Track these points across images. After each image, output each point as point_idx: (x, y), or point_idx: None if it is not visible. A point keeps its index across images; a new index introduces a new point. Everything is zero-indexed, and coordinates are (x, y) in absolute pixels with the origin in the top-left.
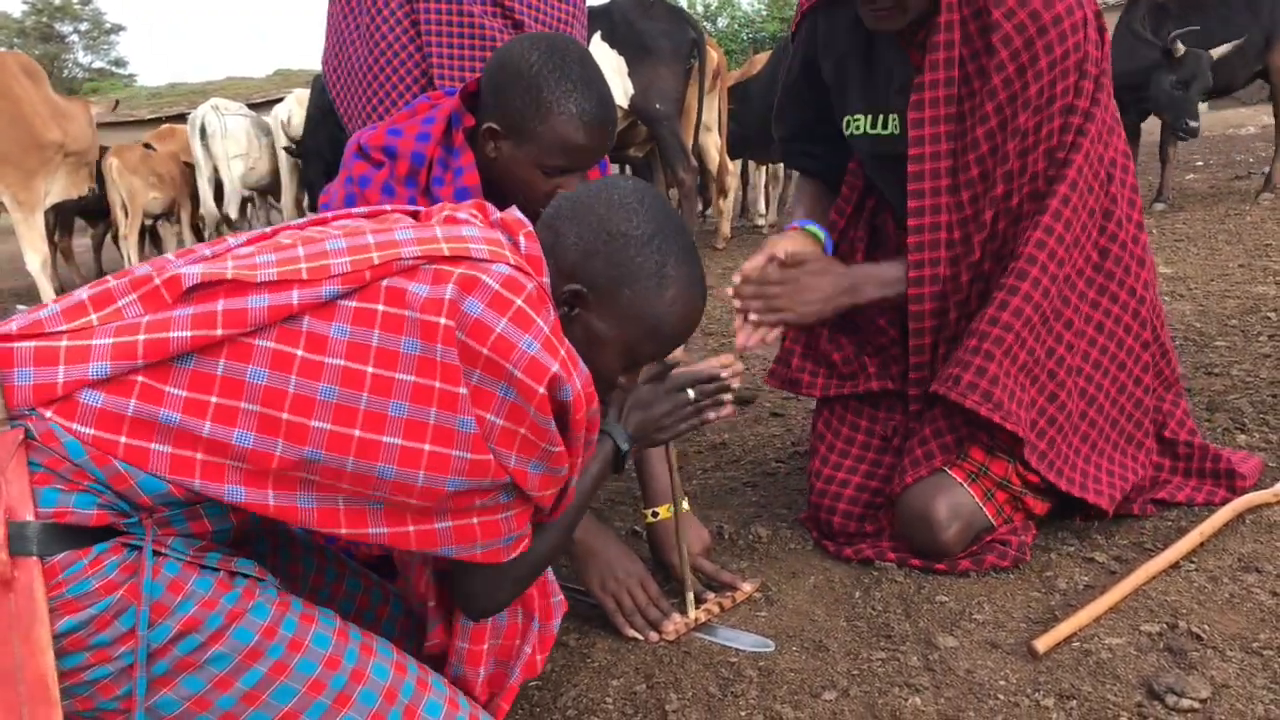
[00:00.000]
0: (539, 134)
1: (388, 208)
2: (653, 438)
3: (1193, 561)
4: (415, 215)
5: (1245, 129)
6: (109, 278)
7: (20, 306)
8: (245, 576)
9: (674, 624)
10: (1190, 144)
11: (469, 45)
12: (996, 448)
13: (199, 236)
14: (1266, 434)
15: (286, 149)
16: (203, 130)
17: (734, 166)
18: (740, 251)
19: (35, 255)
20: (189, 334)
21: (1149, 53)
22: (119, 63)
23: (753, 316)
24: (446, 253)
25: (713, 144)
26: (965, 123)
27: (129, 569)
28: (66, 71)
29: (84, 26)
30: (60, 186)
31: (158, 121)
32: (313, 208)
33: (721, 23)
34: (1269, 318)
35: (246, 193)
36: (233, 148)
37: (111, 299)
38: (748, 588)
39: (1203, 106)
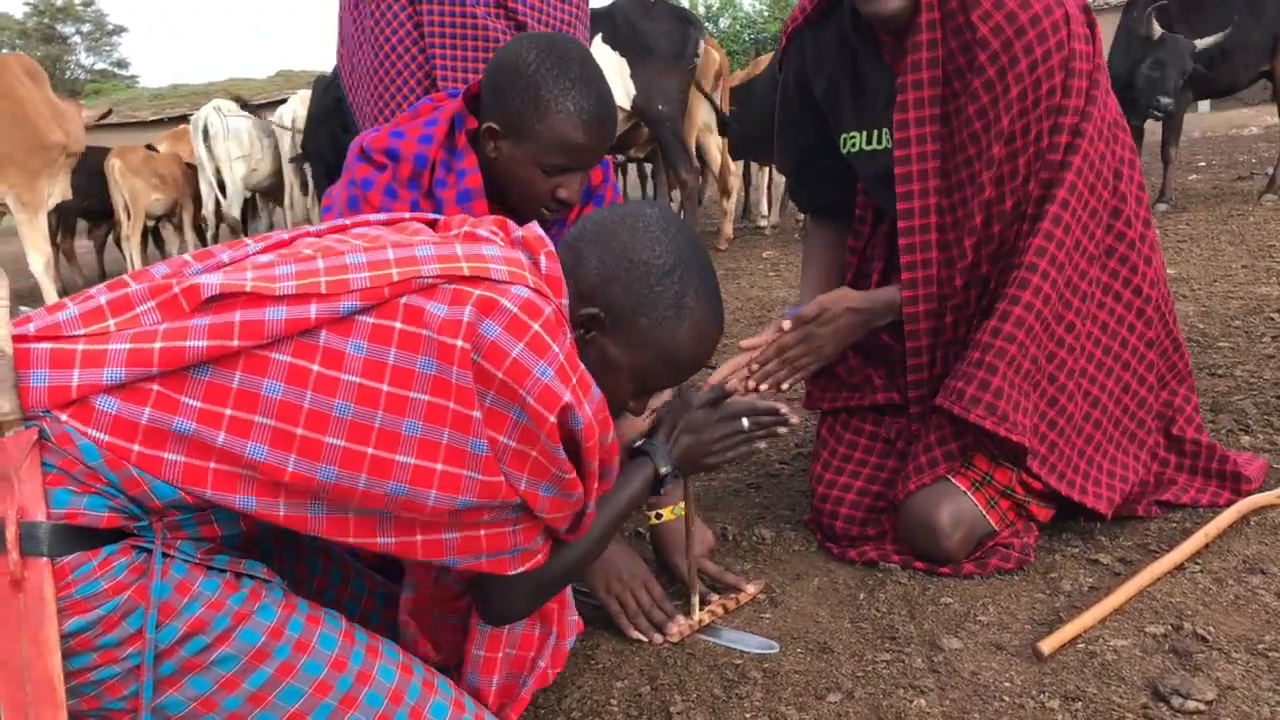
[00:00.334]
0: (538, 133)
1: (406, 215)
2: (700, 462)
3: (1198, 563)
4: (433, 225)
5: (1248, 129)
6: (128, 280)
7: (23, 308)
8: (252, 578)
9: (678, 626)
10: (1193, 145)
11: (472, 47)
12: (1001, 456)
13: (201, 238)
14: (1271, 435)
15: (294, 160)
16: (205, 131)
17: (736, 167)
18: (743, 252)
19: (39, 256)
20: (205, 344)
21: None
22: (121, 64)
23: (784, 385)
24: (466, 272)
25: (715, 145)
26: (950, 125)
27: (137, 570)
28: (69, 73)
29: (86, 28)
30: (61, 188)
31: (159, 123)
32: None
33: (723, 23)
34: (1272, 319)
35: (248, 194)
36: (235, 149)
37: (130, 305)
38: (752, 589)
39: (1204, 106)
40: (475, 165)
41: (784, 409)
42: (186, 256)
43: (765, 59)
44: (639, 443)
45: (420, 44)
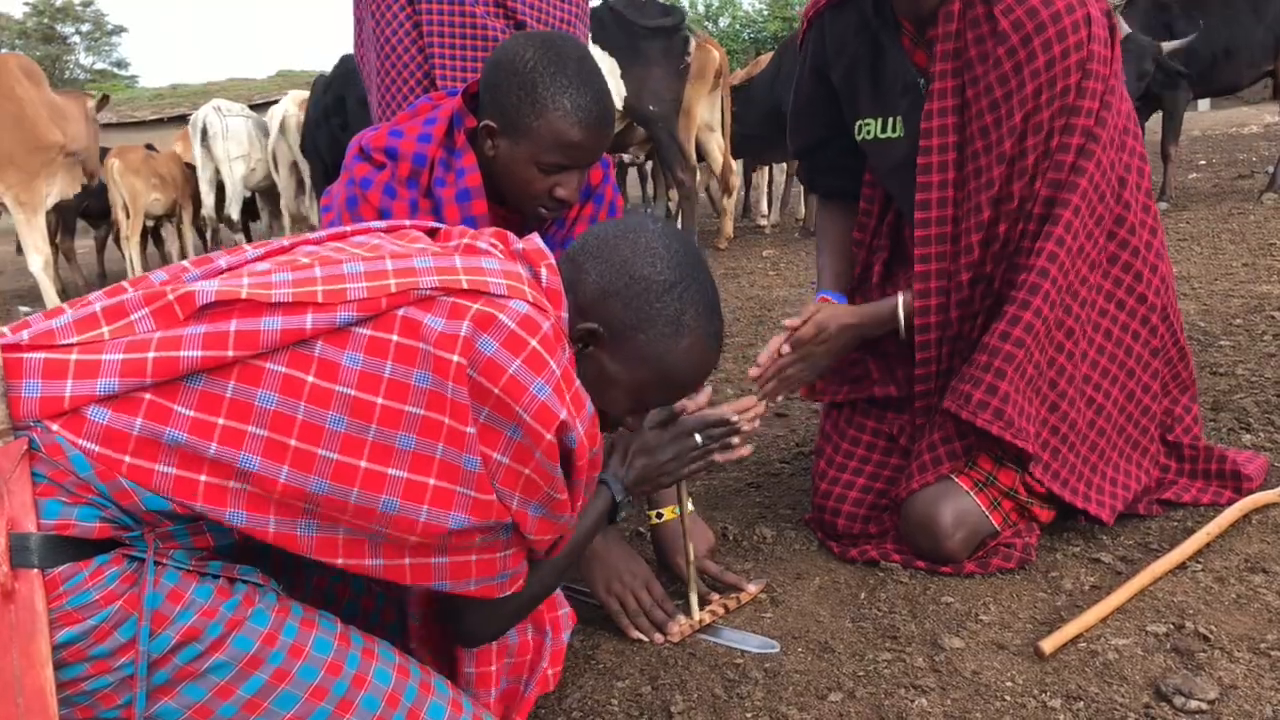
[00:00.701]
0: (535, 131)
1: (407, 223)
2: (657, 481)
3: (1199, 562)
4: (433, 234)
5: (1248, 128)
6: (126, 287)
7: (23, 308)
8: (246, 583)
9: (679, 626)
10: (1193, 143)
11: (470, 46)
12: (1005, 458)
13: (201, 237)
14: (1272, 433)
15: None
16: (204, 131)
17: (736, 166)
18: (742, 252)
19: (37, 256)
20: (199, 354)
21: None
22: (121, 64)
23: (780, 399)
24: (465, 285)
25: (715, 144)
26: (964, 117)
27: (129, 579)
28: (68, 73)
29: (85, 28)
30: (59, 187)
31: (159, 123)
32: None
33: (723, 22)
34: (1273, 317)
35: (248, 194)
36: (234, 149)
37: (125, 312)
38: (753, 589)
39: (1204, 104)
40: (474, 164)
41: (734, 418)
42: (185, 263)
43: (764, 58)
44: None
45: (419, 43)
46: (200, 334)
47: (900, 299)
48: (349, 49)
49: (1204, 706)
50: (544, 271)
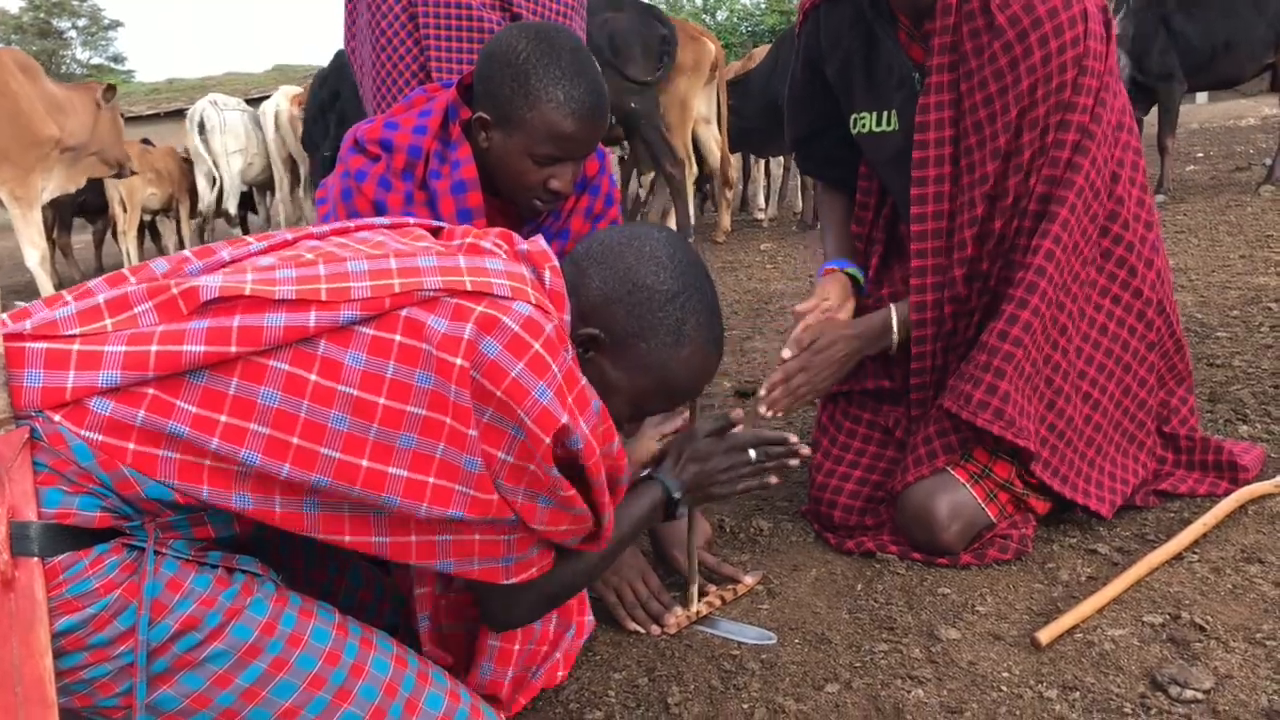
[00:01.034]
0: (528, 122)
1: (410, 220)
2: (708, 491)
3: (1195, 553)
4: (437, 232)
5: (1246, 120)
6: (128, 277)
7: (19, 304)
8: (244, 573)
9: (676, 617)
10: (1191, 136)
11: (467, 38)
12: (1000, 450)
13: (200, 232)
14: (1268, 424)
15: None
16: (201, 125)
17: (734, 160)
18: (740, 245)
19: (34, 251)
20: (202, 349)
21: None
22: (117, 59)
23: (781, 413)
24: (469, 287)
25: (712, 137)
26: (959, 110)
27: (128, 568)
28: (64, 68)
29: (82, 22)
30: (57, 182)
31: (155, 118)
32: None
33: (720, 16)
34: (1270, 308)
35: (245, 187)
36: (231, 143)
37: (128, 305)
38: (749, 581)
39: (1202, 98)
40: (469, 156)
41: (794, 438)
42: (187, 253)
43: (759, 52)
44: (646, 471)
45: (415, 35)
46: (204, 329)
47: (894, 314)
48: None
49: (1199, 696)
50: (548, 274)
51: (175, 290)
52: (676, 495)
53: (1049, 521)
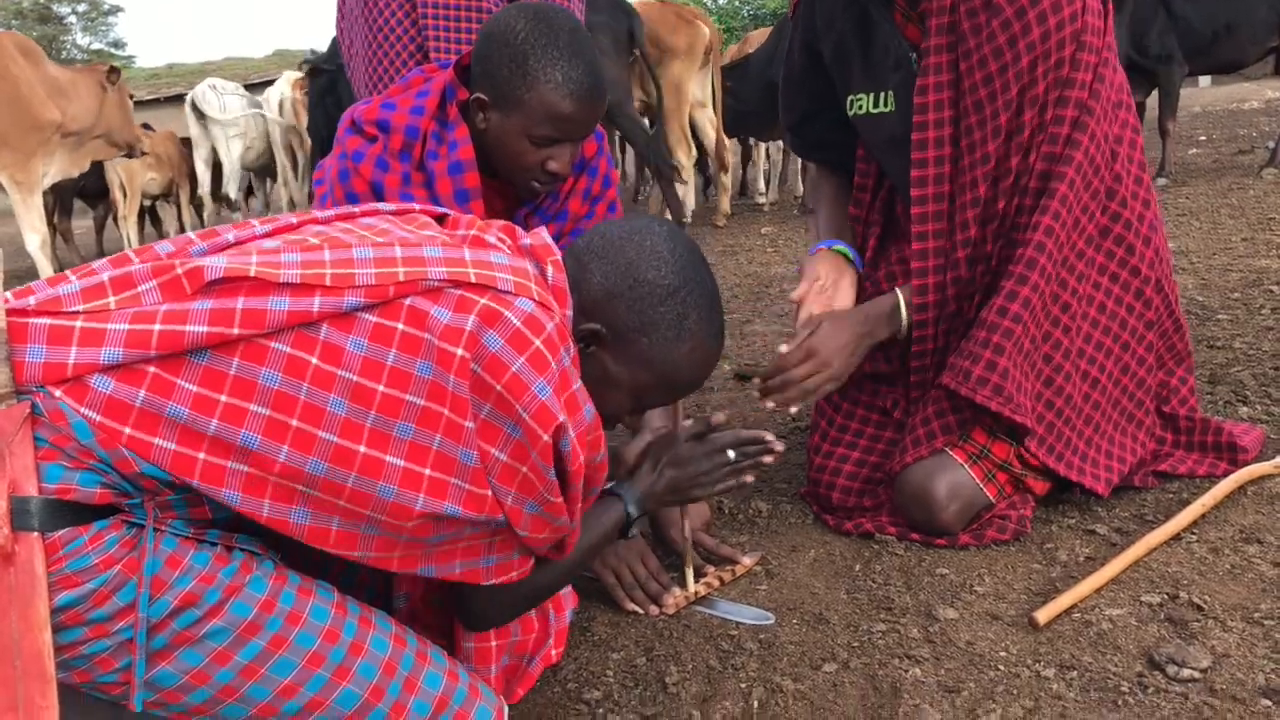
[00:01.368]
0: (526, 103)
1: (415, 207)
2: (688, 494)
3: (1194, 533)
4: (441, 220)
5: (1249, 104)
6: (131, 257)
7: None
8: (243, 551)
9: (674, 598)
10: (1193, 119)
11: (465, 18)
12: (998, 430)
13: (198, 216)
14: (1268, 406)
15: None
16: (200, 110)
17: (730, 144)
18: (741, 229)
19: (34, 235)
20: (205, 330)
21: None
22: (117, 44)
23: (793, 409)
24: (473, 279)
25: (708, 120)
26: (958, 90)
27: (128, 544)
28: (64, 53)
29: (82, 8)
30: (58, 166)
31: (155, 103)
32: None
33: None
34: (1271, 291)
35: (245, 172)
36: (231, 128)
37: (132, 283)
38: (748, 561)
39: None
40: (467, 137)
41: (769, 437)
42: (191, 235)
43: (755, 36)
44: (612, 484)
45: (412, 15)
46: (207, 310)
47: (901, 297)
48: None
49: (1196, 675)
50: (550, 269)
51: (180, 270)
52: (634, 514)
53: (1047, 502)
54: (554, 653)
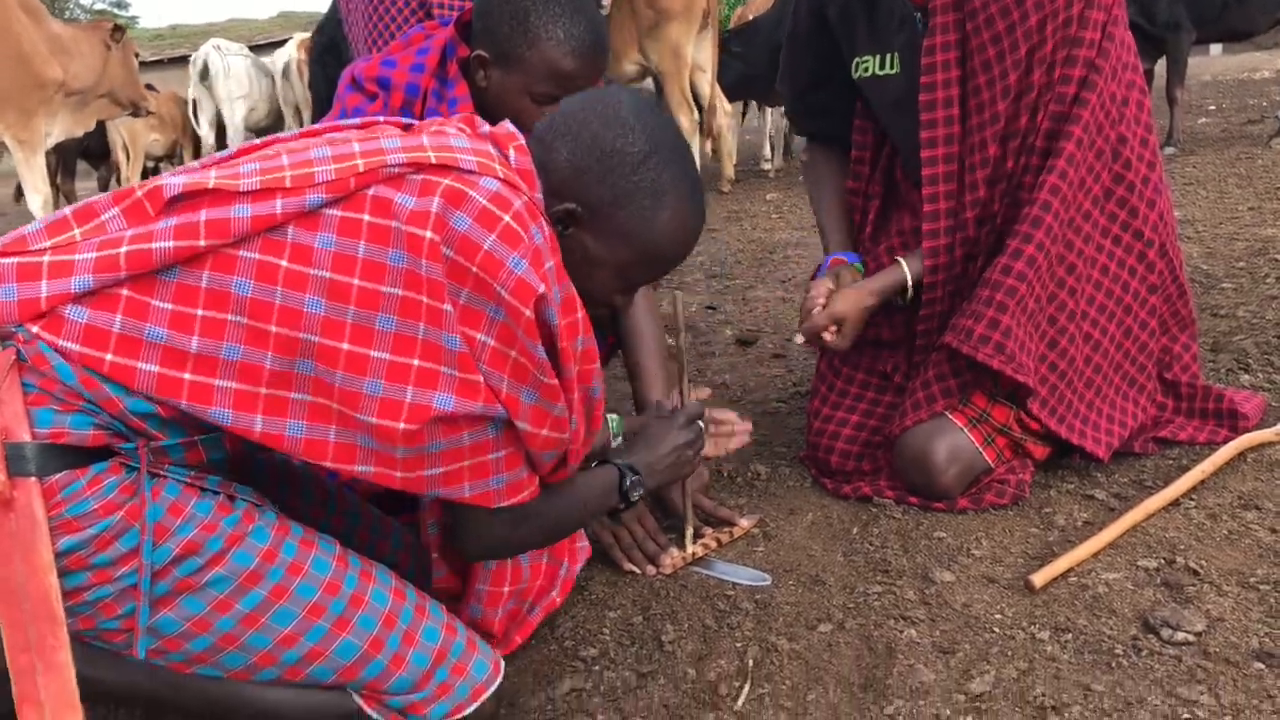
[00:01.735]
0: (527, 60)
1: (380, 118)
2: (679, 474)
3: (1192, 499)
4: (407, 128)
5: (1260, 73)
6: (98, 196)
7: None
8: (245, 500)
9: (671, 558)
10: (1203, 88)
11: None
12: (999, 394)
13: None
14: (1270, 374)
15: None
16: (204, 71)
17: (730, 108)
18: (746, 195)
19: (36, 196)
20: (171, 245)
21: None
22: (120, 4)
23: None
24: (434, 160)
25: (705, 84)
26: (965, 50)
27: (128, 490)
28: (68, 14)
29: None
30: (62, 126)
31: (159, 64)
32: None
33: None
34: (1276, 260)
35: (249, 134)
36: (235, 89)
37: (94, 213)
38: (746, 523)
39: (1216, 49)
40: (467, 94)
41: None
42: (163, 174)
43: (755, 2)
44: (609, 460)
45: None
46: (171, 226)
47: (907, 268)
48: None
49: (1190, 639)
50: (513, 153)
51: (140, 193)
52: (635, 496)
53: (1046, 467)
54: (558, 599)
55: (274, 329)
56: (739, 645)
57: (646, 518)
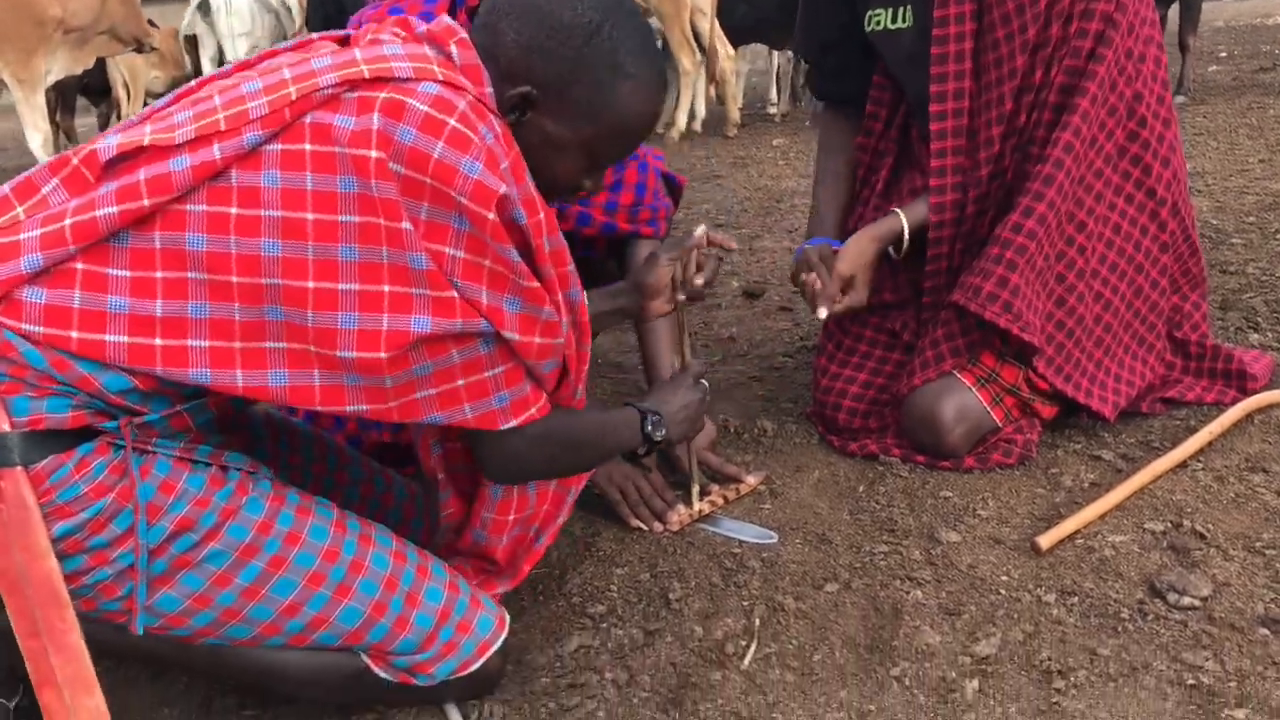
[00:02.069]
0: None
1: (314, 36)
2: (692, 430)
3: (1200, 461)
4: (343, 41)
5: (1273, 19)
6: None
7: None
8: (238, 470)
9: (678, 515)
10: (1215, 34)
11: None
12: (1008, 354)
13: None
14: None
15: None
16: (206, 6)
17: (734, 53)
18: (752, 140)
19: (36, 134)
20: (116, 210)
21: None
22: None
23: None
24: (367, 75)
25: (704, 25)
26: (983, 4)
27: (117, 470)
28: None
29: None
30: (62, 64)
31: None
32: None
33: None
34: None
35: None
36: (238, 25)
37: (34, 188)
38: (752, 481)
39: None
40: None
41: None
42: (105, 132)
43: None
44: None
45: None
46: (113, 191)
47: (904, 218)
48: None
49: (1196, 603)
50: (454, 48)
51: (76, 160)
52: (658, 436)
53: (1053, 427)
54: (560, 521)
55: (236, 279)
56: (746, 604)
57: (653, 474)
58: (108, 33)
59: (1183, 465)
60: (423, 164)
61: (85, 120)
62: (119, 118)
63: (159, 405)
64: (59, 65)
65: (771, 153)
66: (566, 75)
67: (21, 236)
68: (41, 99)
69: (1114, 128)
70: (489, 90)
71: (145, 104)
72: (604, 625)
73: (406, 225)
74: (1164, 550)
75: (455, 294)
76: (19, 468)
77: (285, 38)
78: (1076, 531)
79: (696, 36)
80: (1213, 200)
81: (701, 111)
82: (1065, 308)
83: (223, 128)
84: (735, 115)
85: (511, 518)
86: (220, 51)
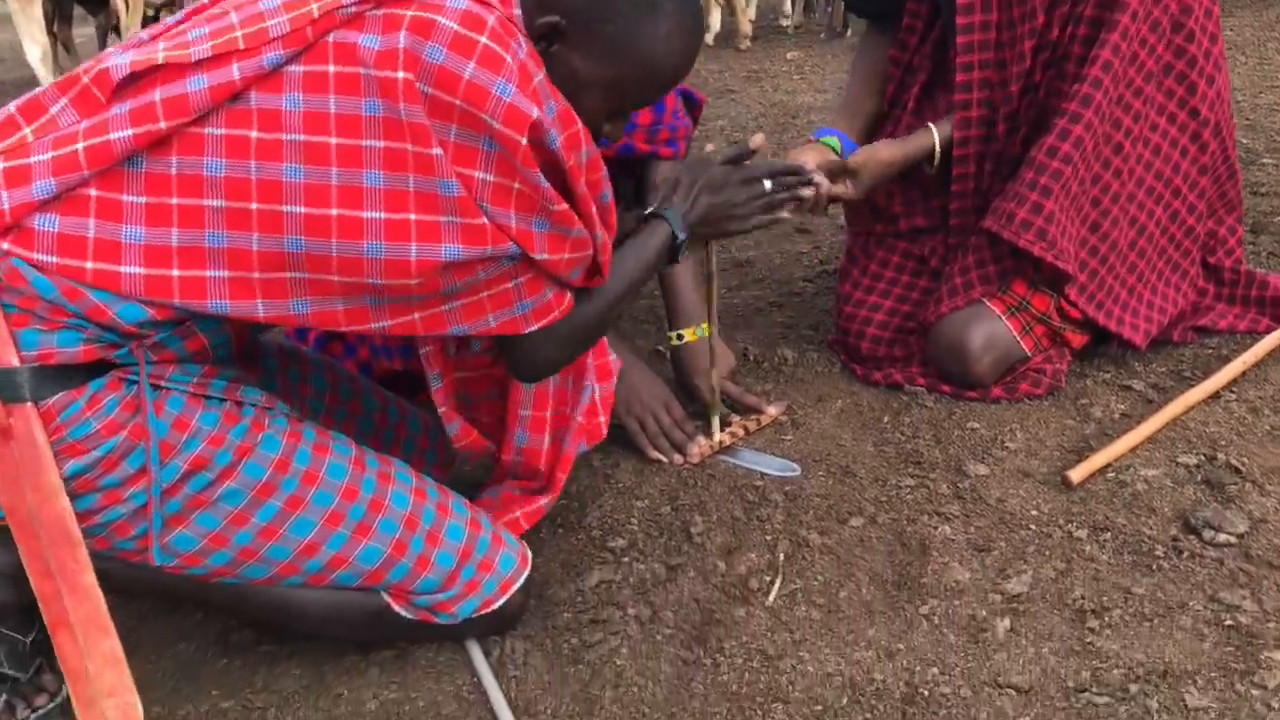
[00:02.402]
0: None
1: None
2: (721, 226)
3: (1233, 391)
4: None
5: None
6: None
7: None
8: (253, 406)
9: (698, 447)
10: None
11: None
12: (1040, 281)
13: None
14: None
15: None
16: None
17: None
18: (765, 53)
19: (34, 47)
20: (130, 133)
21: None
22: None
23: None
24: None
25: None
26: None
27: (130, 407)
28: None
29: None
30: None
31: None
32: None
33: None
34: None
35: None
36: None
37: (42, 108)
38: (773, 411)
39: None
40: None
41: (810, 165)
42: (111, 47)
43: None
44: (651, 208)
45: None
46: (126, 112)
47: (936, 133)
48: None
49: (1232, 540)
50: None
51: (86, 79)
52: (682, 235)
53: (1083, 356)
54: (600, 421)
55: (255, 206)
56: (769, 539)
57: (673, 404)
58: None
59: (1215, 396)
60: (453, 85)
61: (83, 30)
62: (118, 32)
63: (173, 325)
64: None
65: (786, 66)
66: (600, 11)
67: (31, 160)
68: (38, 9)
69: (1155, 44)
70: (518, 13)
71: (144, 15)
72: (625, 559)
73: (437, 151)
74: (1198, 485)
75: (485, 220)
76: (29, 404)
77: None
78: (1108, 465)
79: None
80: (1243, 118)
81: (716, 25)
82: (1099, 233)
83: (241, 46)
84: (746, 27)
85: (549, 414)
86: None
